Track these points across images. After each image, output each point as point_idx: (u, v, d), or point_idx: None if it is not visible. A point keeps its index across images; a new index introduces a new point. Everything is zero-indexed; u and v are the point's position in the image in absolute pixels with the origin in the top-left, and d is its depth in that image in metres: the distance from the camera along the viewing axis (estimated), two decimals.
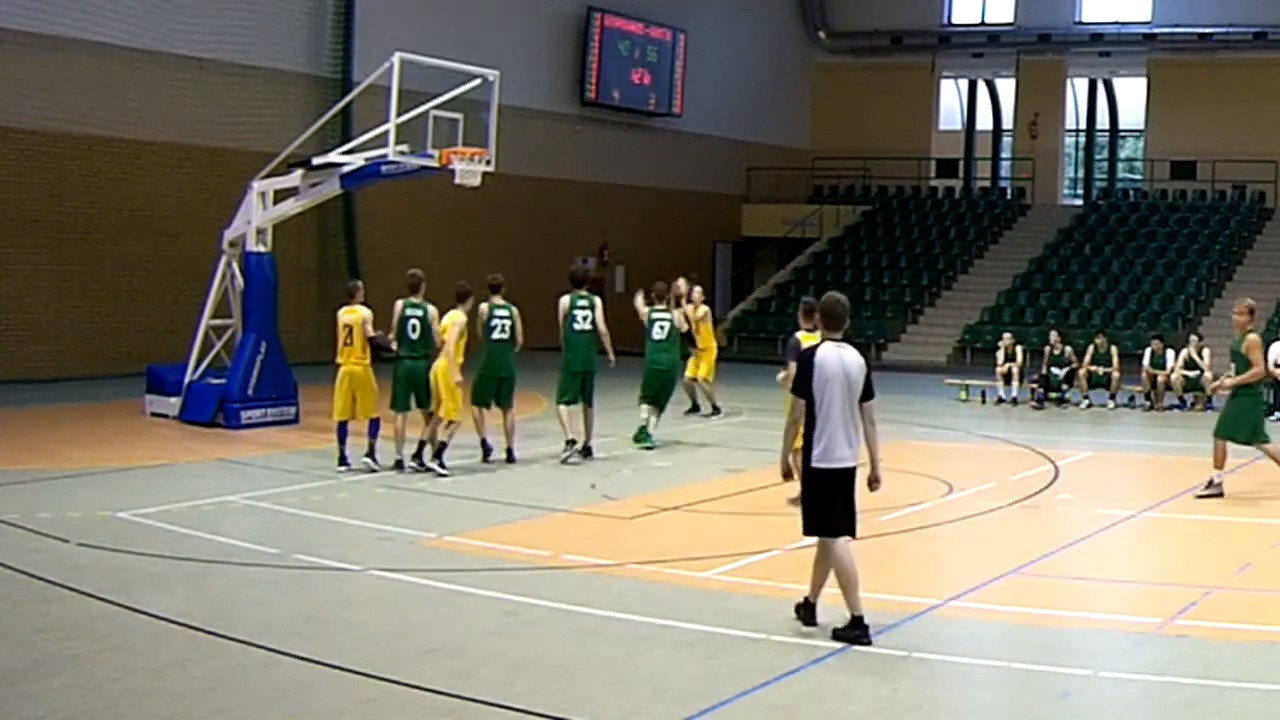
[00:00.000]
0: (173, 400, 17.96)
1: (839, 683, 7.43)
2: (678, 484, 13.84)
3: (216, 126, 24.24)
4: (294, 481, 13.47)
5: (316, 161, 17.48)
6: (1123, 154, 41.13)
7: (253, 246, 17.72)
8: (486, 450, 14.69)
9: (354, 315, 14.14)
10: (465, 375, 14.19)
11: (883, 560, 10.79)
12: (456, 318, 13.98)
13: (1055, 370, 22.57)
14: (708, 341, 19.25)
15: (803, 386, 8.31)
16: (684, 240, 34.99)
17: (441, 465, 13.97)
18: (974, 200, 37.95)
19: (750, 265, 37.86)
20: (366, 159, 17.00)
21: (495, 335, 14.52)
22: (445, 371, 13.87)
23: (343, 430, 14.28)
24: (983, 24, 38.79)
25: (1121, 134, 40.43)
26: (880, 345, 31.42)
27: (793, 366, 12.58)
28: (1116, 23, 36.45)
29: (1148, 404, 22.13)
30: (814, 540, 8.48)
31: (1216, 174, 34.41)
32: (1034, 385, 22.67)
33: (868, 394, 8.41)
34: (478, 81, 17.41)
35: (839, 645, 7.98)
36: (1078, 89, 39.63)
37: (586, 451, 15.20)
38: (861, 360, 8.41)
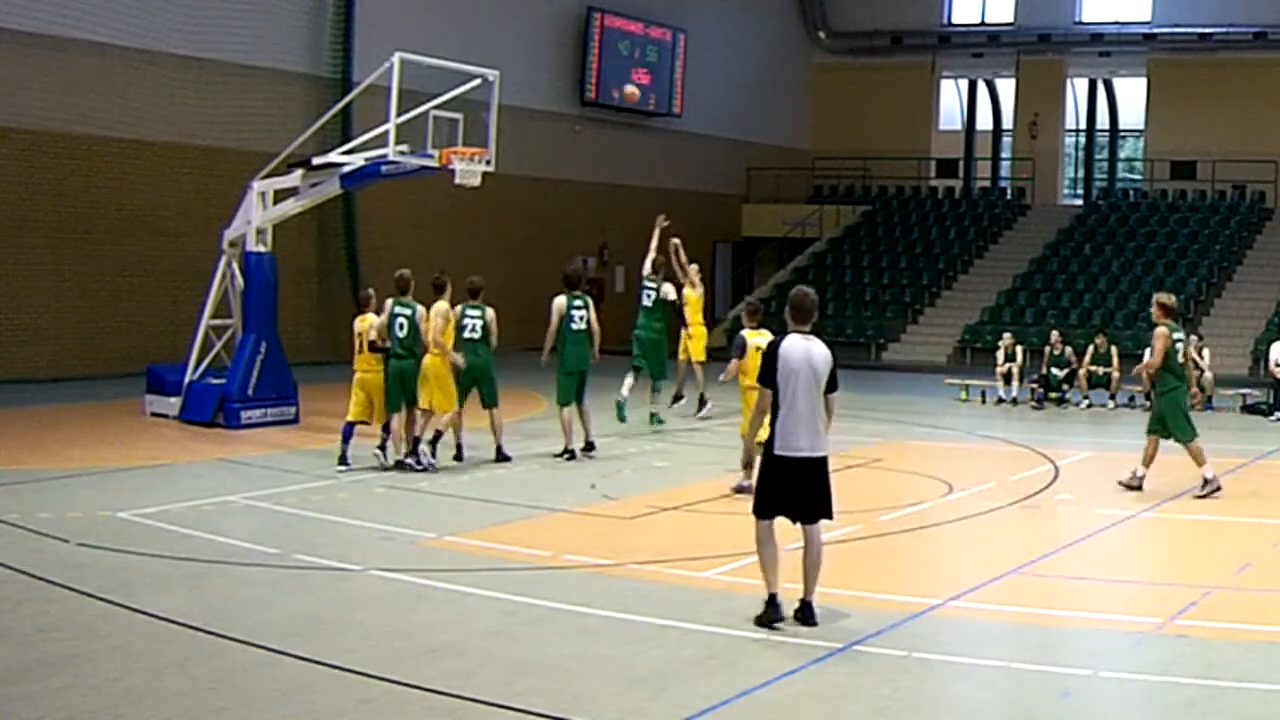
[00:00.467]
0: (173, 400, 17.95)
1: (839, 683, 7.43)
2: (678, 484, 13.84)
3: (216, 126, 24.23)
4: (294, 481, 13.47)
5: (316, 161, 17.47)
6: (1123, 154, 41.14)
7: (253, 246, 17.72)
8: (460, 452, 14.67)
9: (363, 323, 14.41)
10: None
11: (883, 560, 10.80)
12: (439, 307, 14.14)
13: (1055, 370, 22.57)
14: (695, 316, 19.49)
15: (769, 377, 8.49)
16: (684, 240, 34.85)
17: (430, 457, 14.08)
18: (974, 200, 37.96)
19: (750, 265, 37.85)
20: (366, 159, 17.00)
21: (466, 334, 14.58)
22: (437, 365, 13.98)
23: (348, 431, 14.32)
24: (983, 24, 38.79)
25: (1121, 134, 40.43)
26: (880, 345, 31.45)
27: (734, 363, 12.95)
28: (1116, 23, 36.45)
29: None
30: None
31: (1216, 174, 34.40)
32: (1034, 385, 22.67)
33: (832, 386, 8.58)
34: (478, 81, 17.41)
35: (839, 645, 7.98)
36: (1078, 89, 39.64)
37: (589, 446, 15.35)
38: (828, 353, 8.56)
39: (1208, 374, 21.94)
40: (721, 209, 37.17)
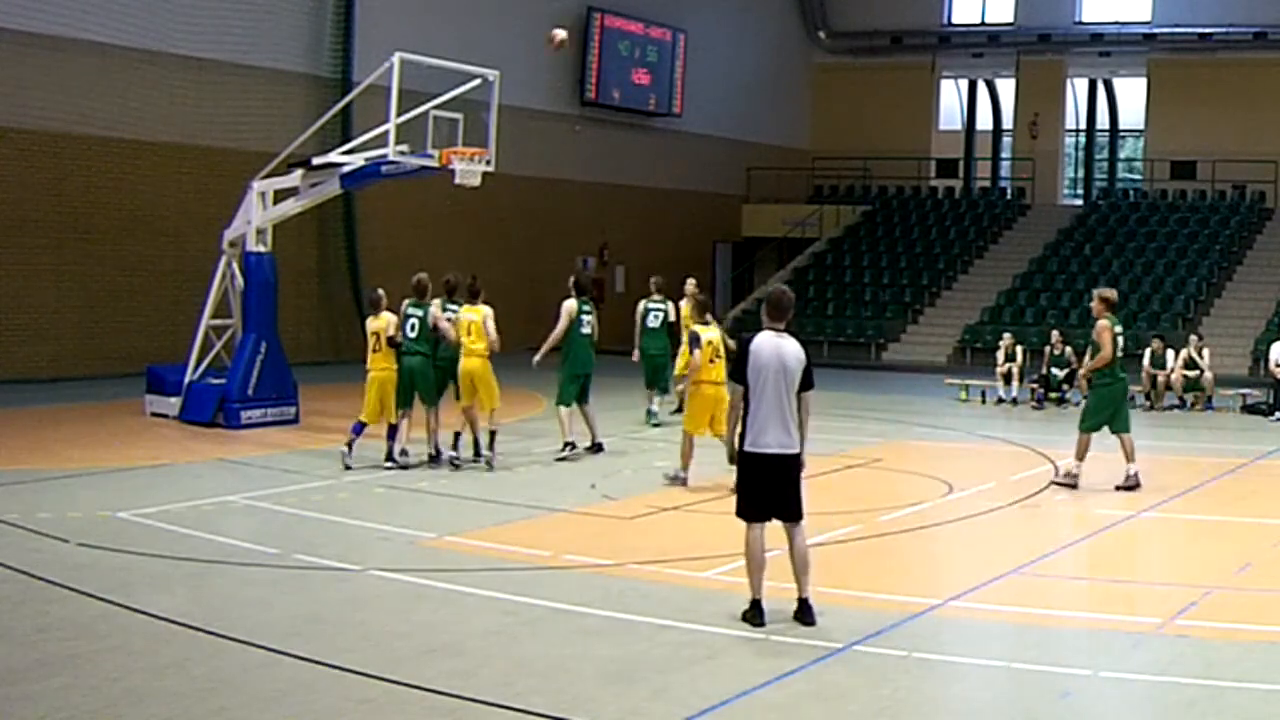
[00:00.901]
0: (173, 400, 17.95)
1: (839, 683, 7.43)
2: (678, 484, 13.82)
3: (216, 126, 24.23)
4: (294, 481, 13.47)
5: (316, 161, 17.48)
6: (1123, 154, 41.13)
7: (253, 246, 17.72)
8: (438, 454, 14.65)
9: (378, 323, 14.42)
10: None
11: (883, 560, 10.80)
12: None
13: (1055, 370, 22.56)
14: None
15: (740, 374, 8.56)
16: (684, 240, 35.01)
17: (451, 451, 14.40)
18: (974, 200, 37.94)
19: (750, 265, 37.85)
20: (366, 159, 17.00)
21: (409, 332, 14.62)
22: (477, 365, 14.22)
23: (358, 430, 14.38)
24: (983, 24, 38.78)
25: (1121, 134, 40.42)
26: (880, 345, 31.45)
27: (696, 354, 13.29)
28: (1116, 23, 36.44)
29: (1148, 404, 22.12)
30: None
31: (1216, 174, 34.40)
32: (1034, 385, 22.67)
33: (806, 384, 8.59)
34: (478, 81, 17.41)
35: (839, 645, 7.98)
36: (1078, 89, 39.63)
37: (598, 448, 15.52)
38: (801, 352, 8.57)
39: (1208, 374, 21.96)
40: (721, 209, 37.18)
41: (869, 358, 30.85)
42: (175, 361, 18.65)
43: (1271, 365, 21.80)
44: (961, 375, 24.86)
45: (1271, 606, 9.28)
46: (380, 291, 15.00)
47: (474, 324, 14.27)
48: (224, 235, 18.22)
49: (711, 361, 13.50)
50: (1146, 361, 22.24)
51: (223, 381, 17.60)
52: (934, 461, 16.21)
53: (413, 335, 14.31)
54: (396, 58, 16.39)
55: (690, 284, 18.77)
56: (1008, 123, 39.95)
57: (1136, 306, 30.17)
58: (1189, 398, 21.99)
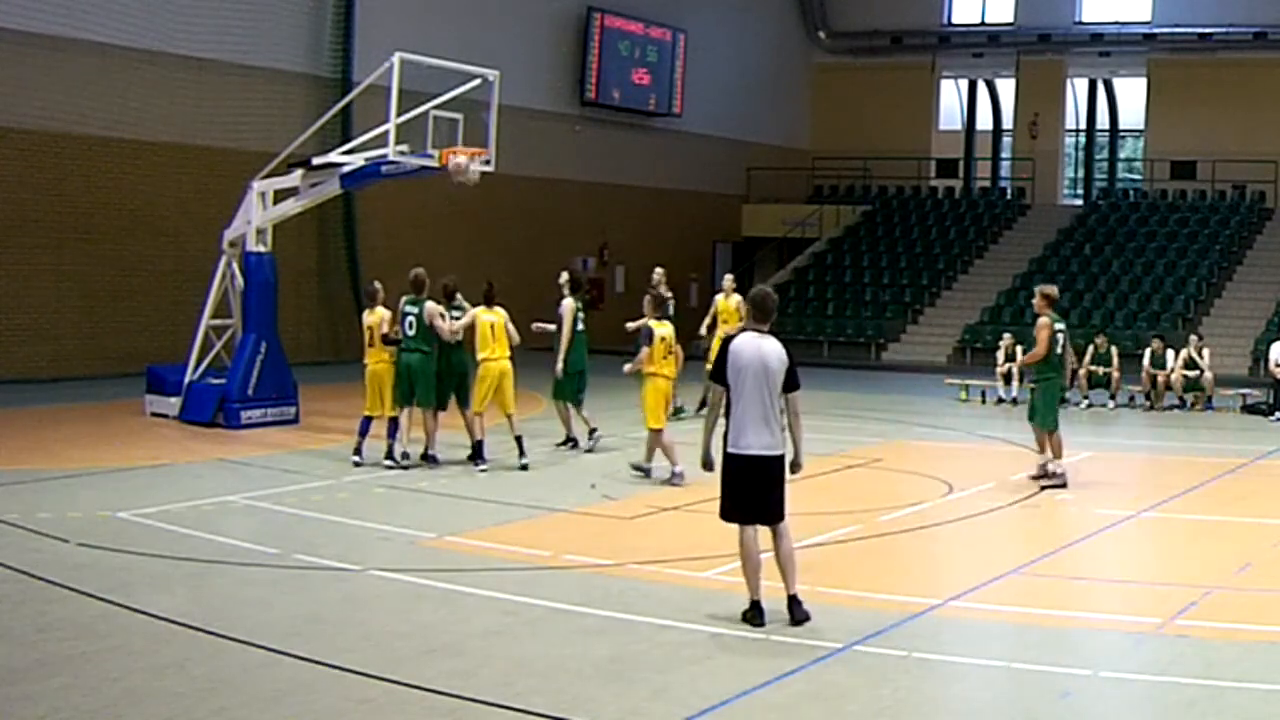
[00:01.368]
0: (173, 400, 17.95)
1: (839, 683, 7.43)
2: (678, 484, 13.83)
3: (216, 126, 24.23)
4: (294, 481, 13.48)
5: (316, 161, 17.47)
6: (1123, 154, 41.12)
7: (253, 246, 17.72)
8: (434, 457, 14.60)
9: (373, 318, 14.55)
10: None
11: (883, 560, 10.80)
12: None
13: None
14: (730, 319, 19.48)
15: (720, 375, 8.53)
16: (684, 240, 34.99)
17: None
18: (974, 200, 37.95)
19: (750, 265, 37.78)
20: (366, 159, 17.00)
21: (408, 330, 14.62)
22: (494, 369, 14.33)
23: (365, 425, 14.45)
24: (983, 24, 38.78)
25: (1121, 134, 40.42)
26: (880, 345, 31.45)
27: (645, 351, 13.66)
28: (1116, 23, 36.44)
29: (1148, 404, 22.13)
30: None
31: (1216, 174, 34.40)
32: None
33: (792, 385, 8.53)
34: (478, 81, 17.41)
35: (839, 645, 7.98)
36: (1078, 89, 39.62)
37: (573, 443, 15.73)
38: (783, 352, 8.50)
39: (1208, 374, 21.95)
40: (721, 209, 37.18)
41: (869, 358, 30.85)
42: (175, 361, 18.65)
43: (1271, 365, 21.79)
44: (961, 375, 24.86)
45: (1271, 606, 9.28)
46: (377, 284, 15.04)
47: (496, 325, 14.36)
48: (224, 235, 18.21)
49: (665, 357, 13.96)
50: (1146, 361, 22.23)
51: (223, 381, 17.60)
52: (934, 461, 16.21)
53: (411, 333, 14.34)
54: (396, 58, 16.38)
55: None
56: (1008, 123, 39.94)
57: (1136, 306, 30.20)
58: (1189, 398, 21.99)
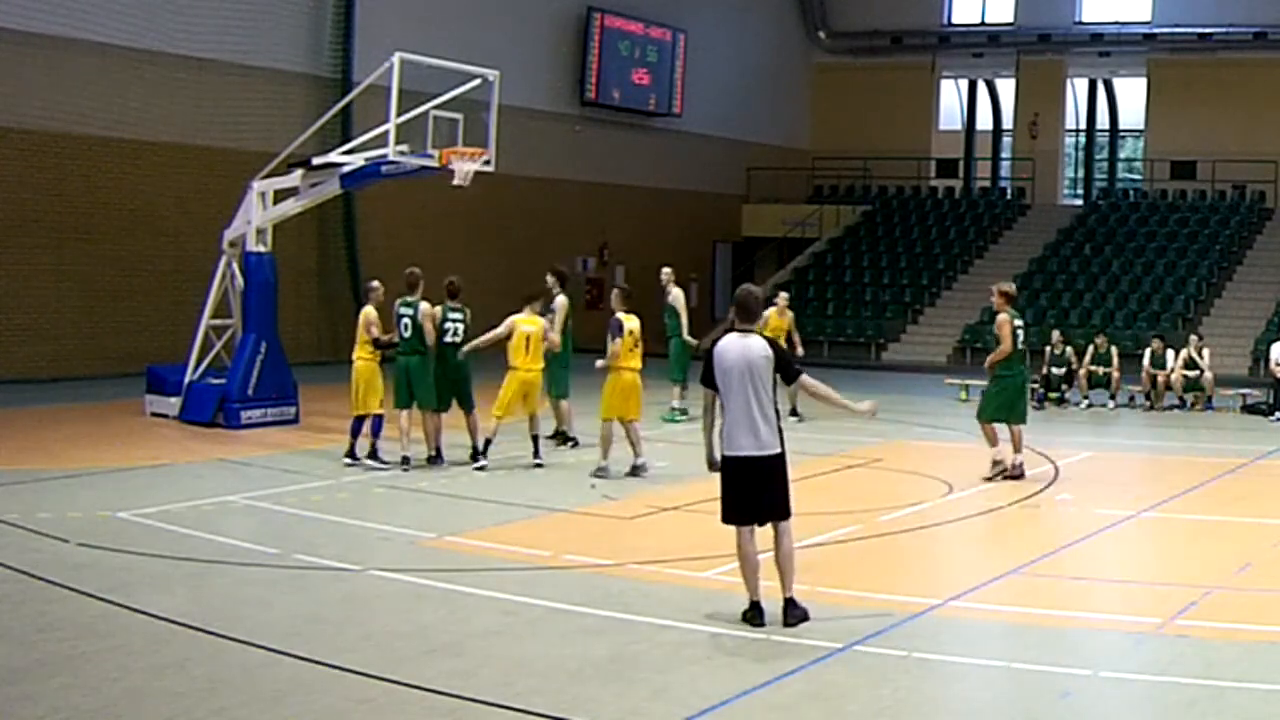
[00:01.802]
0: (173, 400, 17.95)
1: (839, 683, 7.43)
2: (678, 484, 13.82)
3: (216, 126, 24.23)
4: (294, 481, 13.47)
5: (316, 161, 17.47)
6: (1123, 154, 41.11)
7: (253, 246, 17.72)
8: (439, 456, 14.61)
9: (362, 315, 14.61)
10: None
11: (883, 560, 10.80)
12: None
13: (1055, 370, 22.56)
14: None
15: (708, 378, 8.58)
16: (684, 240, 34.97)
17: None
18: (974, 200, 37.94)
19: (750, 265, 37.81)
20: (366, 159, 17.00)
21: (447, 339, 14.56)
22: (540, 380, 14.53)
23: (356, 426, 14.44)
24: (983, 24, 38.77)
25: (1121, 134, 40.41)
26: (880, 345, 31.46)
27: (617, 342, 13.79)
28: (1116, 23, 36.43)
29: (1148, 404, 22.13)
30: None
31: (1216, 174, 34.39)
32: (1034, 385, 22.64)
33: (790, 375, 8.58)
34: (478, 81, 17.41)
35: (839, 645, 7.98)
36: (1078, 89, 39.61)
37: (576, 443, 15.79)
38: (767, 348, 8.51)
39: (1208, 374, 21.96)
40: (721, 209, 37.17)
41: (869, 358, 30.84)
42: (175, 361, 18.64)
43: (1271, 365, 21.79)
44: (961, 375, 24.83)
45: (1271, 606, 9.28)
46: (375, 282, 15.03)
47: (533, 336, 14.31)
48: (224, 235, 18.21)
49: (631, 350, 14.12)
50: (1146, 361, 22.23)
51: (223, 381, 17.60)
52: (934, 461, 16.21)
53: (407, 334, 14.31)
54: (396, 58, 16.38)
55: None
56: (1008, 123, 39.93)
57: (1136, 306, 30.19)
58: (1189, 398, 21.98)
